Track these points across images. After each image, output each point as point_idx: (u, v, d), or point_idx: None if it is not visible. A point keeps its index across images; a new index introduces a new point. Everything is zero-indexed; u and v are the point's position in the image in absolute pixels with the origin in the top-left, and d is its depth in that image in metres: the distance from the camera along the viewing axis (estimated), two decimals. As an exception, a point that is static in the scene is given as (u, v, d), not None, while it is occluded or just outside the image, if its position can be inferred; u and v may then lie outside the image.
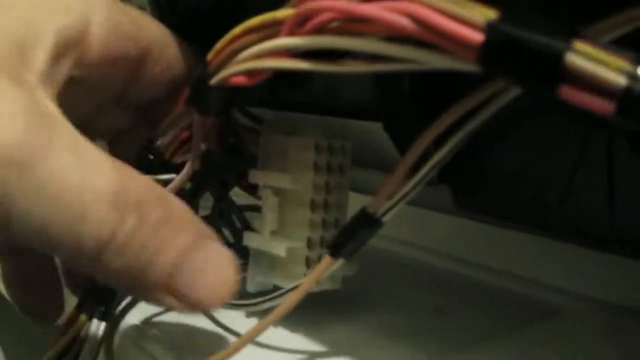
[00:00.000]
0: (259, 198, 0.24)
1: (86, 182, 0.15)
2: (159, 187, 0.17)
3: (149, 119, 0.25)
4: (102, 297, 0.23)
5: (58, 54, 0.19)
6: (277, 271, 0.24)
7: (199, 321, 0.24)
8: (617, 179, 0.21)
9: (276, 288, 0.23)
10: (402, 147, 0.24)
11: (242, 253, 0.25)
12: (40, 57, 0.18)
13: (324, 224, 0.23)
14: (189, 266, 0.17)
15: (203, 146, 0.23)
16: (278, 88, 0.25)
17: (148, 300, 0.17)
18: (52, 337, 0.23)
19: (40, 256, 0.24)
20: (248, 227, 0.25)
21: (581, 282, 0.26)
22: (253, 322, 0.23)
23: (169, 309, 0.18)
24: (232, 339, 0.22)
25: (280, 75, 0.19)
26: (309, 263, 0.23)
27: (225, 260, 0.17)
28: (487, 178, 0.25)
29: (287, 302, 0.20)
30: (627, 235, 0.22)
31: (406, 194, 0.18)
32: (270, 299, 0.22)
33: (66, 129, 0.16)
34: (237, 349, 0.20)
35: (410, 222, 0.32)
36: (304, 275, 0.23)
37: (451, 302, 0.26)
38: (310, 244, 0.23)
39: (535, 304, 0.26)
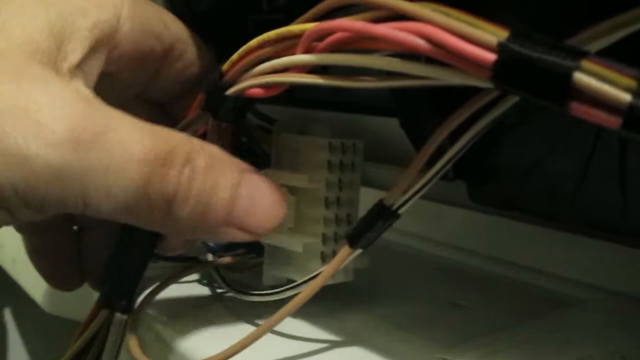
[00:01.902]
0: None
1: (146, 150, 0.17)
2: (197, 140, 0.19)
3: (166, 115, 0.26)
4: (123, 290, 0.24)
5: (92, 49, 0.20)
6: (293, 266, 0.24)
7: (219, 312, 0.25)
8: (630, 171, 0.22)
9: (290, 281, 0.23)
10: (418, 143, 0.25)
11: (257, 249, 0.26)
12: (76, 50, 0.19)
13: (337, 220, 0.24)
14: (241, 199, 0.19)
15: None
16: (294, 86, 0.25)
17: (215, 237, 0.21)
18: (74, 332, 0.24)
19: (63, 231, 0.25)
20: None
21: (594, 273, 0.26)
22: (269, 311, 0.24)
23: (234, 240, 0.20)
24: (250, 328, 0.23)
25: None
26: (324, 258, 0.24)
27: (268, 188, 0.20)
28: (501, 172, 0.25)
29: (307, 291, 0.21)
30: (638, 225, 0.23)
31: (421, 188, 0.19)
32: (290, 288, 0.23)
33: (112, 110, 0.18)
34: (256, 337, 0.21)
35: (425, 216, 0.33)
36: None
37: (465, 294, 0.27)
38: (324, 239, 0.24)
39: (549, 295, 0.27)
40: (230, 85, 0.21)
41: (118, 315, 0.23)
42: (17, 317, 0.66)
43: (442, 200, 0.32)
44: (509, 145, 0.25)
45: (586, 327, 0.24)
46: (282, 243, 0.24)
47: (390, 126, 0.29)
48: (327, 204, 0.24)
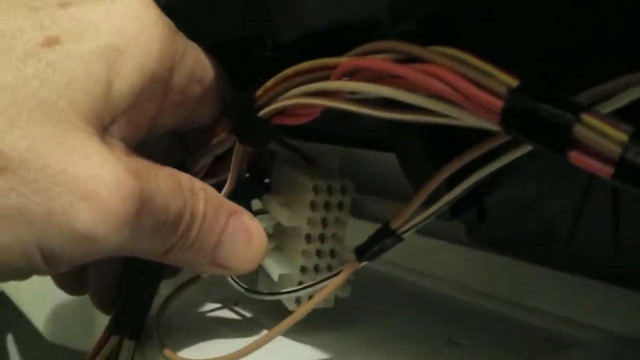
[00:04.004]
0: None
1: (172, 218, 0.20)
2: (199, 184, 0.22)
3: (182, 143, 0.26)
4: (132, 316, 0.25)
5: (142, 101, 0.20)
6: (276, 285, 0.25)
7: (223, 326, 0.26)
8: (622, 214, 0.22)
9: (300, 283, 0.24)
10: (415, 184, 0.26)
11: None
12: (127, 100, 0.20)
13: (319, 254, 0.25)
14: (224, 243, 0.22)
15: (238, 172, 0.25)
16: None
17: (198, 271, 0.23)
18: (85, 357, 0.24)
19: None
20: None
21: (593, 314, 0.26)
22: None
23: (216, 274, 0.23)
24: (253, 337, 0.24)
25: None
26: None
27: (249, 233, 0.22)
28: (497, 212, 0.26)
29: (314, 300, 0.22)
30: (633, 269, 0.23)
31: (421, 222, 0.21)
32: (295, 291, 0.24)
33: (149, 176, 0.19)
34: (254, 348, 0.22)
35: (425, 252, 0.33)
36: (296, 298, 0.25)
37: (464, 333, 0.27)
38: (303, 270, 0.25)
39: (548, 335, 0.27)
40: (262, 109, 0.22)
41: (127, 341, 0.24)
42: (19, 343, 0.65)
43: (442, 237, 0.33)
44: (505, 186, 0.25)
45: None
46: (264, 265, 0.25)
47: (390, 161, 0.30)
48: (308, 239, 0.25)
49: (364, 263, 0.22)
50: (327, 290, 0.22)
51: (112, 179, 0.17)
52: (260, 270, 0.26)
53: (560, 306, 0.28)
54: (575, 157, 0.14)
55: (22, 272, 0.17)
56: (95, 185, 0.17)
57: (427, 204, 0.20)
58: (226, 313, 0.28)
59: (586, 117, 0.13)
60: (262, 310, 0.27)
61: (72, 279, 0.27)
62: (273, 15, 0.23)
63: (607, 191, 0.22)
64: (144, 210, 0.18)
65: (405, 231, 0.21)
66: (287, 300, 0.25)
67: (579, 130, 0.13)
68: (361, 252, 0.22)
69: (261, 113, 0.22)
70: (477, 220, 0.26)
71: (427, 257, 0.33)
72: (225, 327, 0.27)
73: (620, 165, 0.13)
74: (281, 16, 0.23)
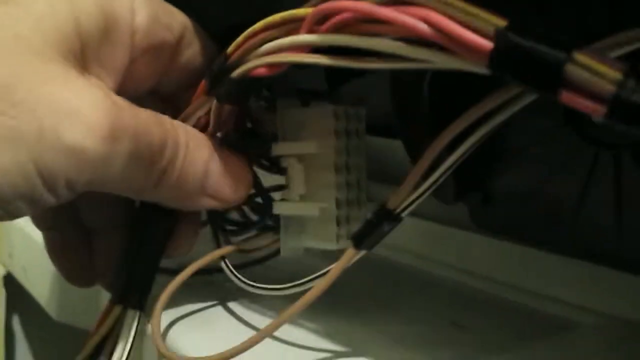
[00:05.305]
0: (280, 173, 0.25)
1: (156, 140, 0.21)
2: (178, 122, 0.23)
3: (173, 107, 0.26)
4: (136, 286, 0.24)
5: (111, 43, 0.22)
6: (309, 234, 0.25)
7: (223, 314, 0.26)
8: (625, 199, 0.22)
9: (296, 278, 0.23)
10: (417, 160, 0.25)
11: (273, 222, 0.26)
12: (97, 46, 0.21)
13: (347, 185, 0.25)
14: (212, 174, 0.23)
15: (222, 131, 0.24)
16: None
17: (191, 205, 0.24)
18: (89, 331, 0.24)
19: (76, 230, 0.27)
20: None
21: (594, 297, 0.26)
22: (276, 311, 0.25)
23: (209, 208, 0.24)
24: (251, 332, 0.23)
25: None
26: (339, 222, 0.24)
27: (236, 164, 0.24)
28: (501, 196, 0.26)
29: (313, 292, 0.21)
30: (635, 253, 0.23)
31: (422, 194, 0.20)
32: (297, 285, 0.23)
33: (128, 104, 0.21)
34: (257, 340, 0.21)
35: (428, 237, 0.33)
36: (336, 234, 0.24)
37: (468, 315, 0.27)
38: (337, 204, 0.24)
39: (551, 319, 0.27)
40: (235, 67, 0.21)
41: (131, 311, 0.24)
42: (25, 324, 0.65)
43: (446, 222, 0.32)
44: (509, 170, 0.25)
45: (587, 352, 0.24)
46: (298, 211, 0.25)
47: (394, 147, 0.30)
48: (336, 169, 0.24)
49: (362, 252, 0.21)
50: (323, 284, 0.21)
51: (92, 98, 0.19)
52: (282, 231, 0.25)
53: (563, 290, 0.27)
54: (567, 97, 0.13)
55: (25, 198, 0.18)
56: (78, 103, 0.19)
57: (428, 172, 0.19)
58: (232, 304, 0.28)
59: (578, 55, 0.13)
60: (263, 299, 0.26)
61: (79, 270, 0.27)
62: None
63: (610, 175, 0.22)
64: (127, 132, 0.20)
65: (405, 209, 0.20)
66: (329, 242, 0.24)
67: (571, 69, 0.13)
68: (358, 239, 0.21)
69: (235, 73, 0.21)
70: (481, 204, 0.26)
71: (431, 242, 0.33)
72: (229, 317, 0.26)
73: (614, 104, 0.12)
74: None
